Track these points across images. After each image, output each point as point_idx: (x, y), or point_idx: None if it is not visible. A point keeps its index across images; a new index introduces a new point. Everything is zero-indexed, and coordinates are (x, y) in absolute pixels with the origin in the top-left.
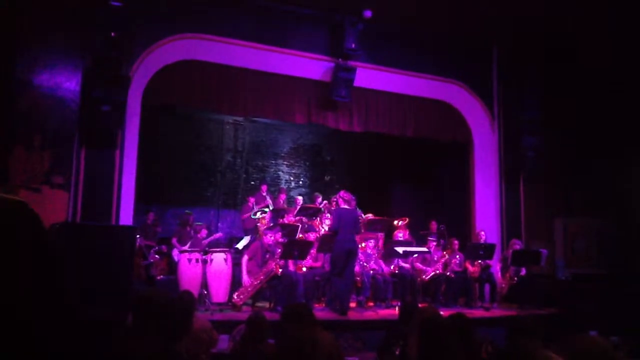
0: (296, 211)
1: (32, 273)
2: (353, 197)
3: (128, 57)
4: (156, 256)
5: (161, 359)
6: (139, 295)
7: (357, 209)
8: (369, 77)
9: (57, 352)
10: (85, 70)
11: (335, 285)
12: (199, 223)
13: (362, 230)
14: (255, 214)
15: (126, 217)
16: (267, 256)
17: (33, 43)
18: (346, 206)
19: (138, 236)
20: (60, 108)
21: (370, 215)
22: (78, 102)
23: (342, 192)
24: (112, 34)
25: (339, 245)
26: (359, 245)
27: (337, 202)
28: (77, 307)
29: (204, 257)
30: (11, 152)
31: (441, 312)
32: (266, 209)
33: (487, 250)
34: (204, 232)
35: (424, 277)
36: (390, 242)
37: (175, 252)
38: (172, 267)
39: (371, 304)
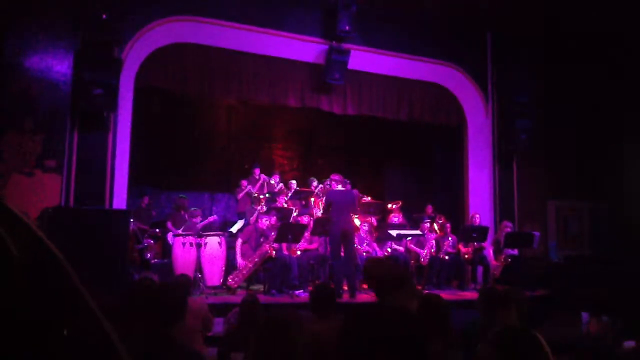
0: (289, 195)
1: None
2: (346, 180)
3: (120, 39)
4: (150, 240)
5: (156, 343)
6: (134, 280)
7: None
8: (363, 59)
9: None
10: (76, 53)
11: (334, 268)
12: (194, 208)
13: (359, 209)
14: (253, 195)
15: (120, 200)
16: (262, 240)
17: (23, 25)
18: (339, 187)
19: (132, 220)
20: (52, 91)
21: (366, 198)
22: (70, 85)
23: (333, 175)
24: (104, 16)
25: (333, 227)
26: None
27: (330, 184)
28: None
29: (198, 240)
30: (3, 136)
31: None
32: (267, 194)
33: (480, 233)
34: (199, 217)
35: (421, 260)
36: (383, 225)
37: (169, 236)
38: (166, 251)
39: (365, 286)
